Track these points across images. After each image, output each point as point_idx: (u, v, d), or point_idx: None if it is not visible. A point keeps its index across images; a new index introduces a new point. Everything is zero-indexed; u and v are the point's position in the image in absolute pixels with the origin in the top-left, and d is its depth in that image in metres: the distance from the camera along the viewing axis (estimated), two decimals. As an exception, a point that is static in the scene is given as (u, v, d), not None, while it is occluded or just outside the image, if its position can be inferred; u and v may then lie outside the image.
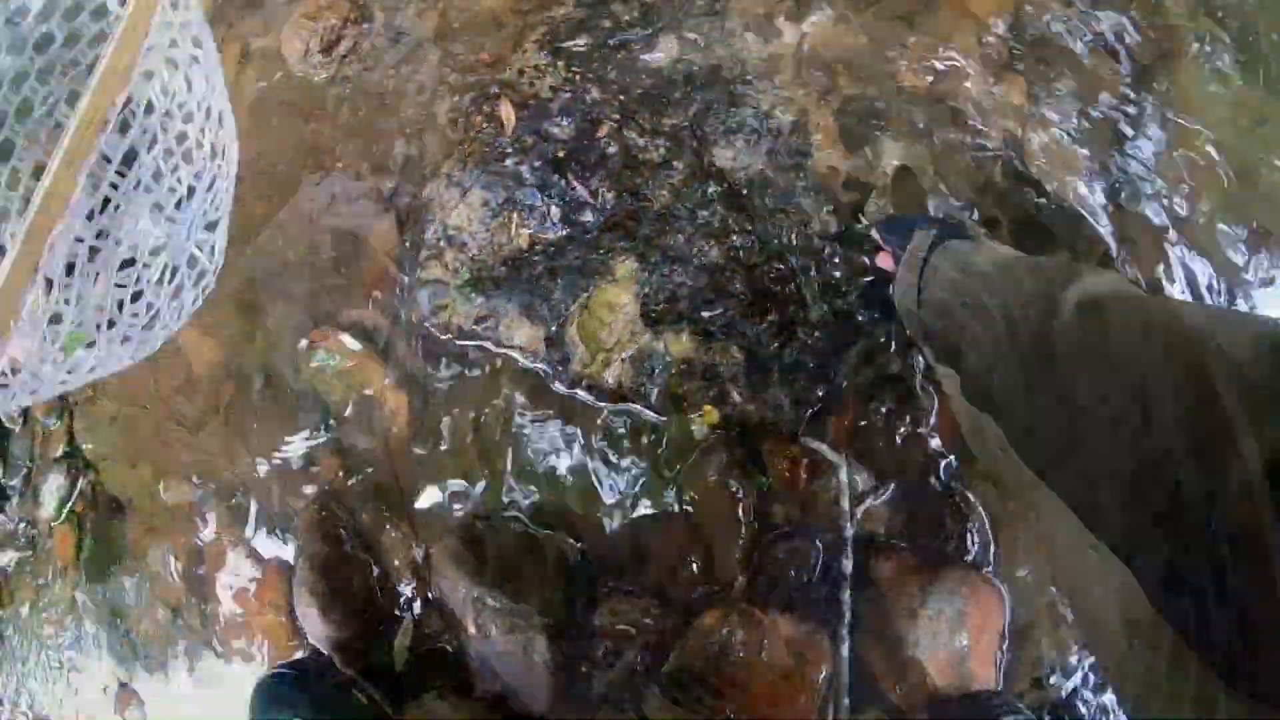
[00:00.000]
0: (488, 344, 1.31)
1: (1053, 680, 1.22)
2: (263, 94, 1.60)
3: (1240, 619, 0.46)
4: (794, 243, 1.29)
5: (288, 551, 1.37)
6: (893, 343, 1.28)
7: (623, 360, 1.25)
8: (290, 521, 1.37)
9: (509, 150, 1.34)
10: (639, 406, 1.23)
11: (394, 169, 1.44)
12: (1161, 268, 1.40)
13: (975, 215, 1.40)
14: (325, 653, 1.37)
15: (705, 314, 1.26)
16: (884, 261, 1.21)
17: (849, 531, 1.23)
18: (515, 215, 1.32)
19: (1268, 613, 0.44)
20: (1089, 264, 0.80)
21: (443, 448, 1.34)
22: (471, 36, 1.47)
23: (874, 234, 1.27)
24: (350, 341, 1.41)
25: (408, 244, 1.38)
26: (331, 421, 1.39)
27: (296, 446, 1.39)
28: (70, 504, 1.51)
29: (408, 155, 1.44)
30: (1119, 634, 0.56)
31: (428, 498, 1.35)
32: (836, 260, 1.30)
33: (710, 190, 1.30)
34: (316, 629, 1.37)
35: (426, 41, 1.50)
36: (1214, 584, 0.48)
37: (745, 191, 1.30)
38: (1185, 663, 0.48)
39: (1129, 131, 1.46)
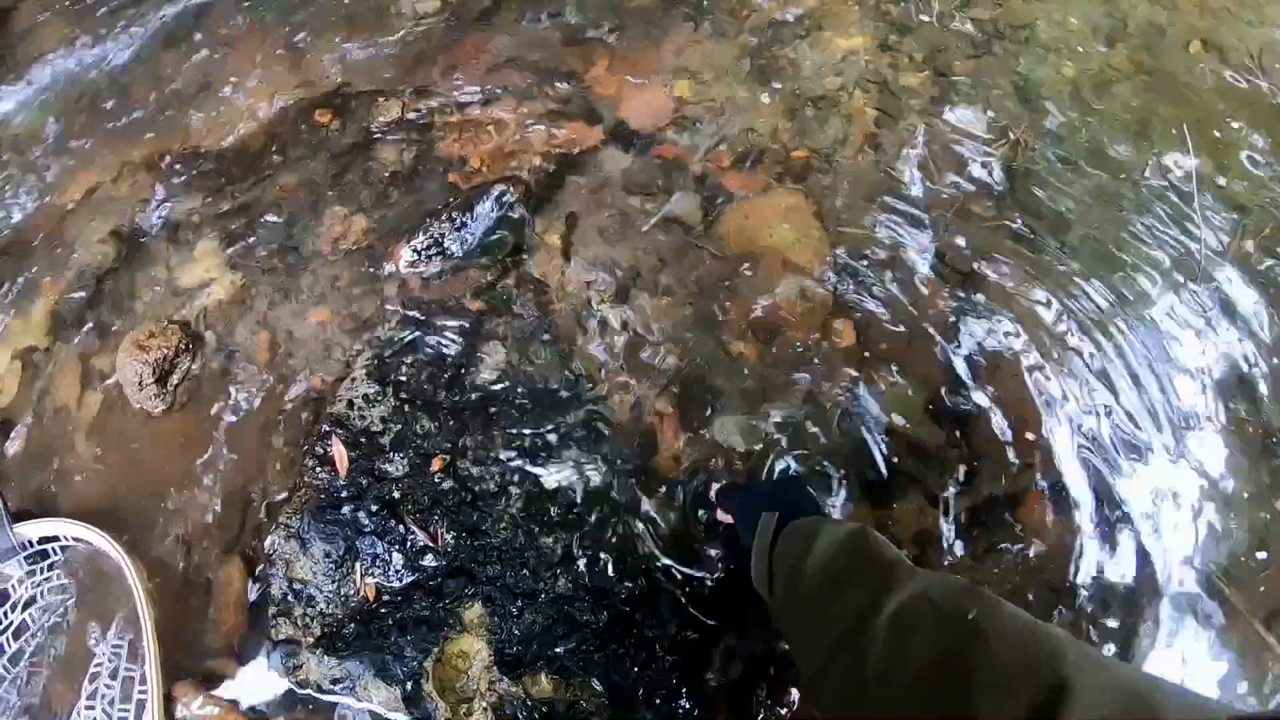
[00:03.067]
0: (348, 699, 1.30)
1: None
2: (104, 426, 1.59)
3: None
4: (642, 553, 1.30)
5: None
6: (751, 631, 1.29)
7: (485, 709, 1.25)
8: None
9: (345, 495, 1.34)
10: (505, 758, 1.22)
11: (236, 508, 1.43)
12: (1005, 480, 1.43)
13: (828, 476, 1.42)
14: None
15: (561, 649, 1.26)
16: (723, 516, 1.24)
17: None
18: (359, 565, 1.31)
19: None
20: (906, 565, 0.84)
21: (321, 806, 1.31)
22: (302, 358, 1.47)
23: (713, 498, 1.29)
24: (212, 699, 1.38)
25: (256, 593, 1.37)
26: (206, 787, 1.36)
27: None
28: None
29: (248, 495, 1.43)
30: None
31: None
32: (686, 564, 1.30)
33: (551, 513, 1.30)
34: None
35: (260, 365, 1.50)
36: None
37: (587, 509, 1.30)
38: None
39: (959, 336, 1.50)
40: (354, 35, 1.66)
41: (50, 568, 1.49)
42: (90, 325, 1.67)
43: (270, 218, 1.56)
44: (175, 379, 1.55)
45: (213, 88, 1.71)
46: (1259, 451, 1.42)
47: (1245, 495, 1.39)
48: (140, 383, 1.55)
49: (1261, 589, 1.33)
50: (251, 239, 1.55)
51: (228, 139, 1.65)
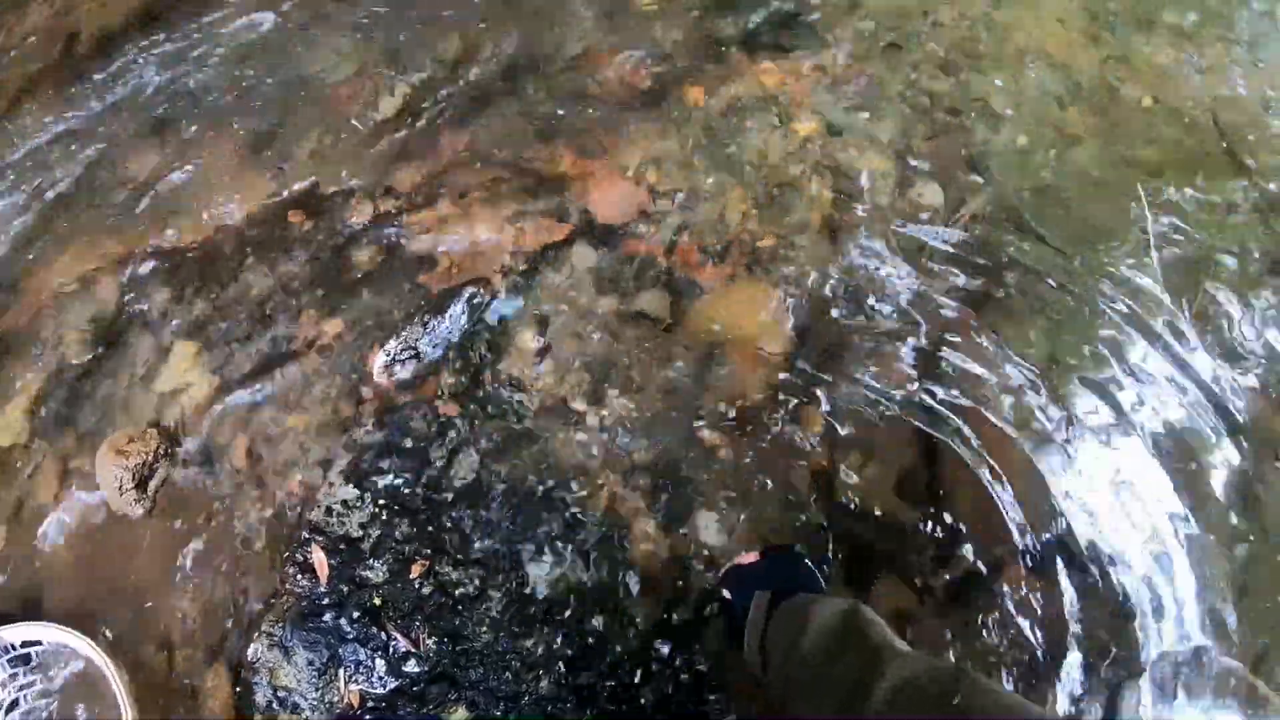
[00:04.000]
0: (336, 807, 1.32)
1: None
2: (85, 529, 1.60)
3: None
4: (624, 650, 1.34)
5: None
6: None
7: (471, 814, 1.28)
8: None
9: (326, 602, 1.37)
10: None
11: (219, 615, 1.46)
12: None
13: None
14: None
15: (545, 752, 1.29)
16: (725, 593, 1.28)
17: None
18: (342, 672, 1.34)
19: None
20: (893, 649, 0.89)
21: None
22: (281, 463, 1.50)
23: (722, 592, 1.33)
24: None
25: (241, 701, 1.39)
26: None
27: None
28: None
29: (231, 601, 1.45)
30: None
31: None
32: (670, 659, 1.34)
33: (532, 614, 1.34)
34: None
35: (239, 470, 1.53)
36: None
37: (567, 609, 1.34)
38: None
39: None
40: (326, 135, 1.70)
41: (32, 671, 1.51)
42: (68, 426, 1.69)
43: (246, 320, 1.60)
44: (154, 484, 1.58)
45: (186, 186, 1.75)
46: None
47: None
48: (120, 488, 1.58)
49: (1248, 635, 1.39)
50: (228, 341, 1.59)
51: (202, 238, 1.68)
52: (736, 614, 1.22)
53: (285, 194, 1.68)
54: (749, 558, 1.31)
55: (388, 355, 1.49)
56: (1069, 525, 1.47)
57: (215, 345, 1.61)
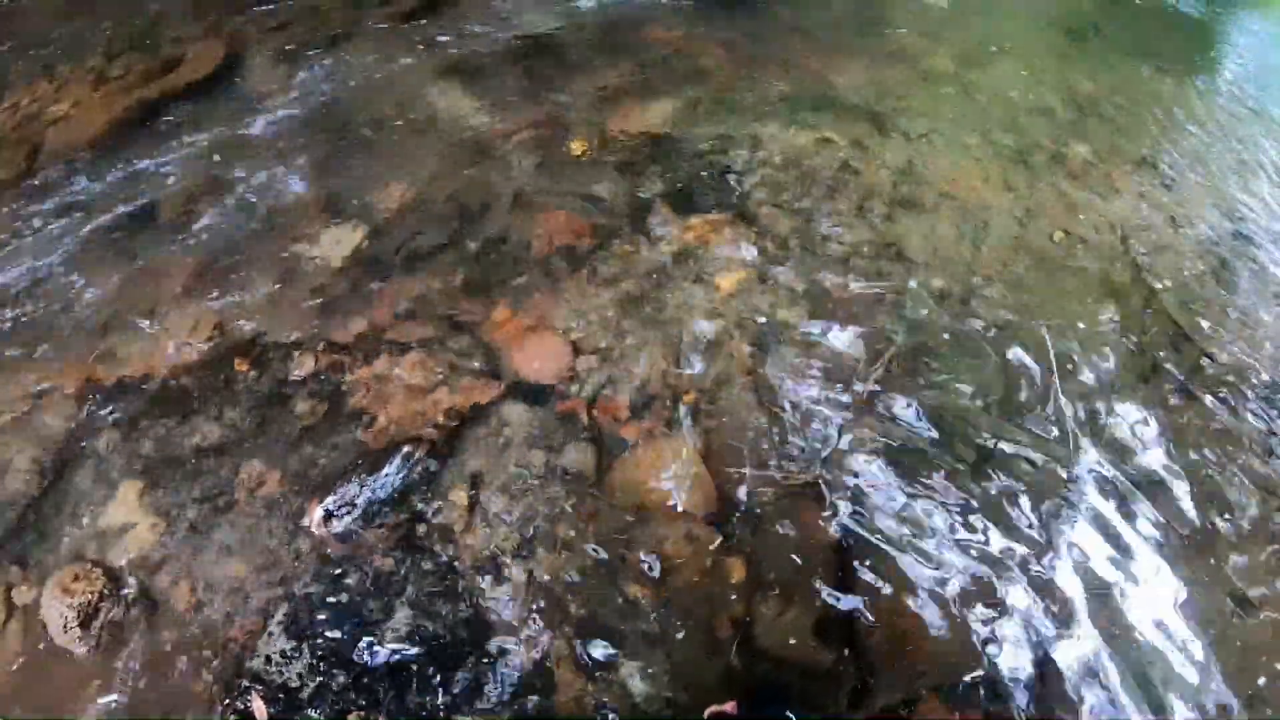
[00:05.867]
0: None
1: None
2: (27, 659, 1.68)
3: None
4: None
5: None
6: None
7: None
8: None
9: (266, 755, 1.48)
10: None
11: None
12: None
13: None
14: None
15: None
16: None
17: None
18: (278, 821, 1.45)
19: None
20: None
21: None
22: (221, 609, 1.60)
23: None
24: None
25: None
26: None
27: None
28: None
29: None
30: None
31: None
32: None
33: (458, 764, 1.46)
34: None
35: (181, 614, 1.62)
36: None
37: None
38: None
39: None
40: (275, 281, 1.80)
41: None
42: (14, 556, 1.76)
43: (191, 465, 1.69)
44: (98, 623, 1.66)
45: (141, 320, 1.83)
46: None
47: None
48: (65, 625, 1.66)
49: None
50: (173, 484, 1.68)
51: (152, 375, 1.77)
52: None
53: (233, 340, 1.77)
54: (729, 706, 1.42)
55: (326, 511, 1.60)
56: (987, 658, 1.59)
57: (160, 486, 1.70)
